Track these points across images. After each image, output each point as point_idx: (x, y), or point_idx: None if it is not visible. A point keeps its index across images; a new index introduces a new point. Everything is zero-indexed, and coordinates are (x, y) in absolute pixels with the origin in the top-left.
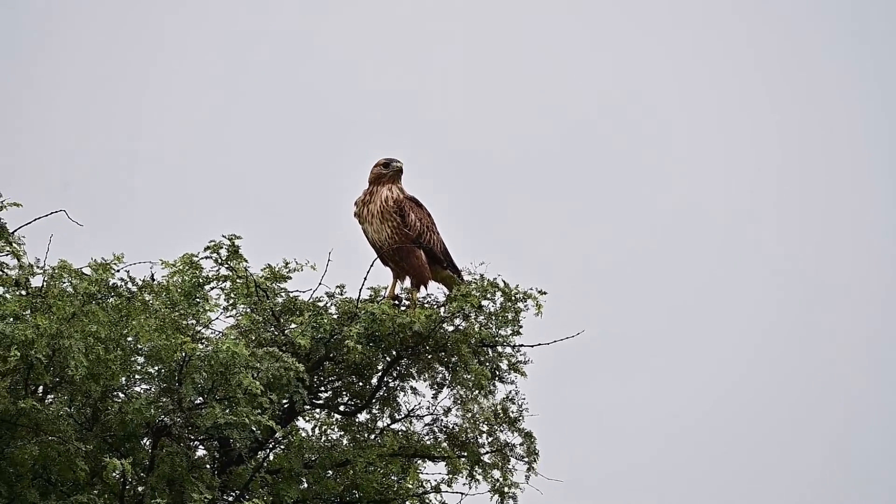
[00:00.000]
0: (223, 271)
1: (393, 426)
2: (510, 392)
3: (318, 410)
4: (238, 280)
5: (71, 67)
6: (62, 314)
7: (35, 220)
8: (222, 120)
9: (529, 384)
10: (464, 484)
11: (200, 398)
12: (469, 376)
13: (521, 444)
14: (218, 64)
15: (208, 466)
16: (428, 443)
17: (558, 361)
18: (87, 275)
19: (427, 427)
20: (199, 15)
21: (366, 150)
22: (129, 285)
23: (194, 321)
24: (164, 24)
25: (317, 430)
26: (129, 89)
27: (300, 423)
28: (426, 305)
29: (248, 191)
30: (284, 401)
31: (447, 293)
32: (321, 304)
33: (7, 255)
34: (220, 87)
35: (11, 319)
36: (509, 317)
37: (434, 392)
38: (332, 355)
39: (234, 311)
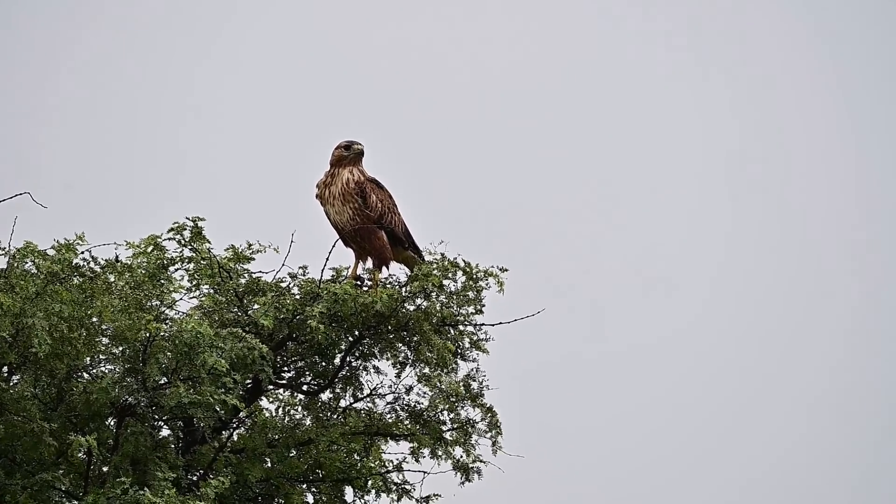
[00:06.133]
0: (187, 253)
1: (356, 405)
2: (472, 370)
3: (281, 390)
4: (201, 261)
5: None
6: (25, 293)
7: None
8: (187, 103)
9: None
10: (430, 459)
11: (164, 378)
12: (432, 354)
13: (482, 420)
14: (193, 50)
15: (172, 446)
16: (390, 421)
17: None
18: (49, 255)
19: (389, 406)
20: (182, 6)
21: (328, 133)
22: (92, 265)
23: (158, 302)
24: (149, 17)
25: (280, 410)
26: (102, 73)
27: (263, 402)
28: (388, 285)
29: (211, 173)
30: (248, 381)
31: (409, 273)
32: (284, 285)
33: None
34: (189, 70)
35: None
36: (471, 295)
37: (397, 371)
38: (294, 335)
39: (197, 292)
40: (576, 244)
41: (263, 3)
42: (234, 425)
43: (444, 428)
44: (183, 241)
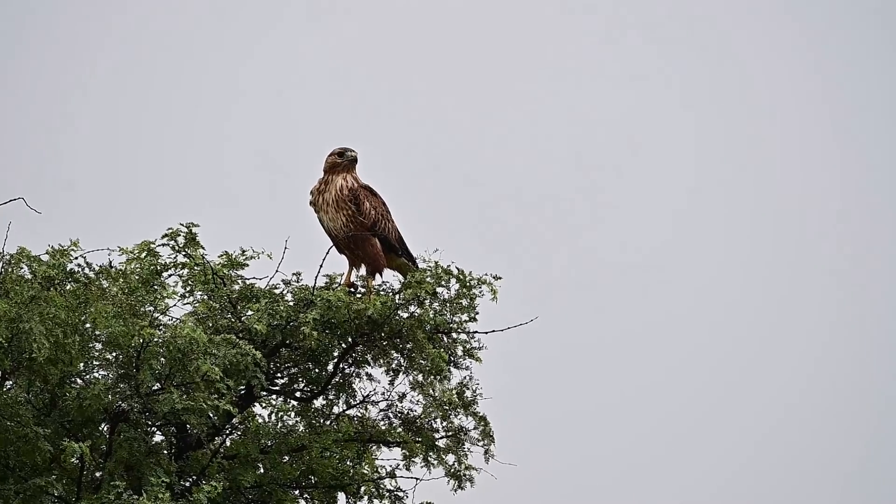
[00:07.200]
0: (180, 258)
1: (349, 412)
2: (465, 378)
3: (274, 396)
4: (195, 267)
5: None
6: (20, 298)
7: None
8: (183, 109)
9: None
10: (421, 467)
11: (158, 384)
12: (425, 361)
13: (475, 429)
14: (190, 56)
15: (166, 452)
16: (383, 428)
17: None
18: (44, 261)
19: (382, 413)
20: (180, 10)
21: (322, 140)
22: (87, 271)
23: (152, 308)
24: (145, 20)
25: (273, 416)
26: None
27: (257, 408)
28: (381, 292)
29: (205, 179)
30: (241, 387)
31: (402, 280)
32: (277, 292)
33: None
34: (186, 77)
35: None
36: (464, 303)
37: (390, 378)
38: (288, 342)
39: (191, 298)
40: (570, 236)
41: (261, 5)
42: (228, 431)
43: (436, 436)
44: (177, 247)
